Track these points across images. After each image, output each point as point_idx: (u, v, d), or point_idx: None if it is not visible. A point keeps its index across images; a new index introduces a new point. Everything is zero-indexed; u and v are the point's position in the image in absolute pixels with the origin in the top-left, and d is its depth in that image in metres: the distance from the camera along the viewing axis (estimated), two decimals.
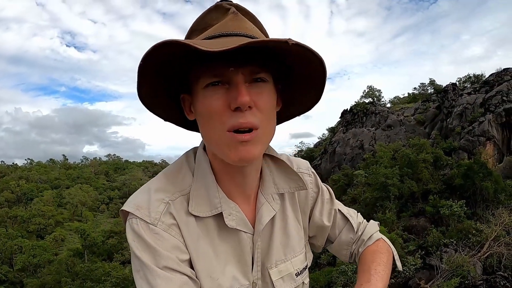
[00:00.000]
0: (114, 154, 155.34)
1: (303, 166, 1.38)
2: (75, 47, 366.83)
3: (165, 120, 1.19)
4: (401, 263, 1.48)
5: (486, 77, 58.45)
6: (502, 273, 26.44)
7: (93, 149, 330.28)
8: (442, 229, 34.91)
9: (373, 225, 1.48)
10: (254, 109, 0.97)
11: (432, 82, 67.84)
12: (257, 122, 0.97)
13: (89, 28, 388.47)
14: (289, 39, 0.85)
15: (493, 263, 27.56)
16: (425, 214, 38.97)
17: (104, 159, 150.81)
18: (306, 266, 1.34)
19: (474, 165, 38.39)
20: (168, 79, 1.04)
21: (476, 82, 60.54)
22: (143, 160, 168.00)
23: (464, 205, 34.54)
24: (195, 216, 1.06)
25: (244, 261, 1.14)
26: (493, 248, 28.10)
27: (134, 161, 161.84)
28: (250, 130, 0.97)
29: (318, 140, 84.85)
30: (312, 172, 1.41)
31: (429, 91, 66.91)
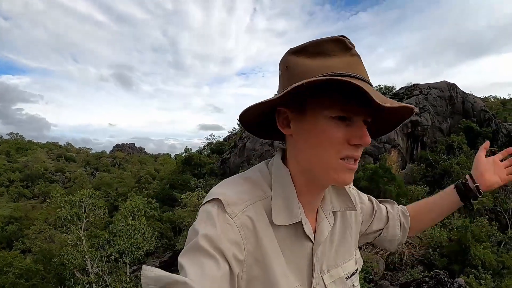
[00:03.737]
0: (17, 133, 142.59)
1: (351, 185, 1.51)
2: None
3: (259, 136, 1.37)
4: None
5: (397, 89, 61.48)
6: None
7: None
8: None
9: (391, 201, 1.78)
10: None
11: None
12: (359, 156, 1.13)
13: None
14: (414, 107, 1.07)
15: (395, 261, 29.02)
16: None
17: (6, 137, 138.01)
18: (356, 270, 1.45)
19: (379, 170, 39.97)
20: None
21: (387, 93, 63.29)
22: (48, 142, 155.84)
23: None
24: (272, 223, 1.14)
25: (302, 267, 1.23)
26: None
27: (38, 142, 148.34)
28: (355, 160, 1.12)
29: (228, 134, 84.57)
30: (355, 189, 1.60)
31: None
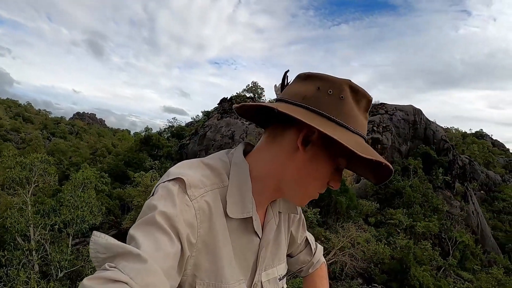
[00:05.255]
0: None
1: None
2: None
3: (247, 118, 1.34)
4: None
5: None
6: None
7: None
8: None
9: (321, 250, 1.81)
10: None
11: None
12: None
13: None
14: (391, 169, 1.10)
15: (336, 270, 29.22)
16: None
17: None
18: (286, 273, 1.51)
19: None
20: None
21: None
22: (7, 98, 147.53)
23: (318, 213, 36.14)
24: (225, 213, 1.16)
25: (248, 261, 1.26)
26: (338, 257, 29.67)
27: None
28: None
29: (191, 120, 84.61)
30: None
31: None
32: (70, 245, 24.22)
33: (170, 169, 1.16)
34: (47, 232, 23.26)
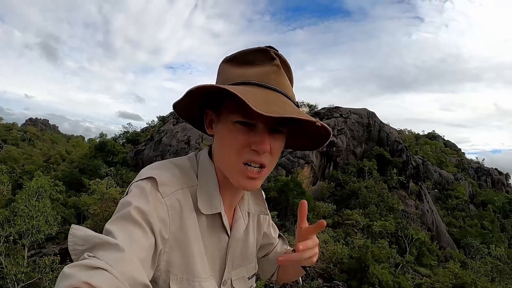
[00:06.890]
0: None
1: (264, 194, 1.55)
2: None
3: (189, 122, 1.41)
4: None
5: (319, 109, 63.16)
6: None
7: None
8: None
9: None
10: (268, 153, 1.17)
11: None
12: (267, 162, 1.17)
13: None
14: (317, 120, 1.10)
15: None
16: None
17: None
18: (255, 273, 1.52)
19: (290, 182, 41.23)
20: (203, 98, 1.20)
21: (310, 111, 64.98)
22: None
23: (275, 216, 36.28)
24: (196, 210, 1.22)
25: (216, 258, 1.29)
26: None
27: None
28: (260, 167, 1.17)
29: (146, 125, 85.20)
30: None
31: None
32: (26, 257, 23.62)
33: (142, 170, 1.22)
34: (1, 244, 22.69)
